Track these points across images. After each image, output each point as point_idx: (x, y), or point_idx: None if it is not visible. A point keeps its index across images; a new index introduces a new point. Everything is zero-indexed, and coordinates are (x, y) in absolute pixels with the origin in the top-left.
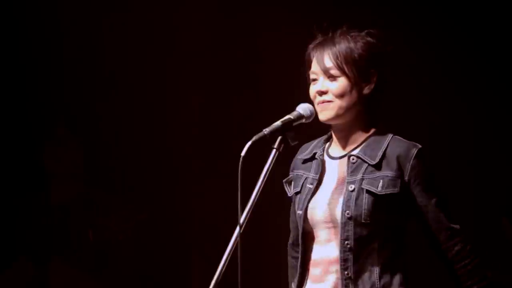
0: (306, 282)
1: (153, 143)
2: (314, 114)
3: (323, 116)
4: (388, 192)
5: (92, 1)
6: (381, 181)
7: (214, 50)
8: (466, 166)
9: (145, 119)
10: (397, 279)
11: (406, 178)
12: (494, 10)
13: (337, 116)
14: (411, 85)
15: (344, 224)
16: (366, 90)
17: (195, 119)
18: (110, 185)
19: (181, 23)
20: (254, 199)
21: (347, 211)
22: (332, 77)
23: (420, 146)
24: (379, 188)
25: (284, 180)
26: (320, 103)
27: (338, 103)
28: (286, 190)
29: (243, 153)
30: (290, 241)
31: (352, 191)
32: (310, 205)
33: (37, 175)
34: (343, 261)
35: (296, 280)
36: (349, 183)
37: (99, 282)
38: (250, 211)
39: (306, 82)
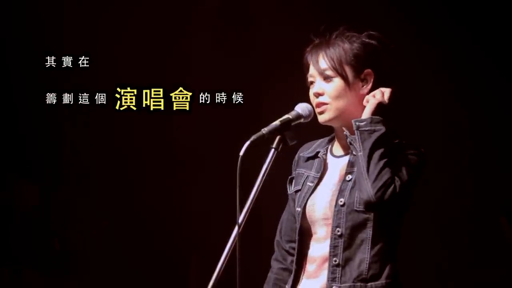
0: (302, 279)
1: (153, 141)
2: (313, 114)
3: (322, 118)
4: None
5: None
6: None
7: (214, 49)
8: (466, 166)
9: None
10: (386, 271)
11: None
12: (496, 9)
13: (335, 118)
14: (412, 84)
15: (337, 212)
16: (363, 90)
17: (193, 118)
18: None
19: (180, 24)
20: (253, 198)
21: (341, 199)
22: (327, 78)
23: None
24: None
25: (288, 179)
26: (317, 105)
27: (334, 105)
28: (288, 188)
29: (241, 153)
30: (278, 237)
31: (349, 181)
32: (309, 202)
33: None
34: (333, 247)
35: (292, 276)
36: (348, 173)
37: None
38: (248, 211)
39: (305, 82)
